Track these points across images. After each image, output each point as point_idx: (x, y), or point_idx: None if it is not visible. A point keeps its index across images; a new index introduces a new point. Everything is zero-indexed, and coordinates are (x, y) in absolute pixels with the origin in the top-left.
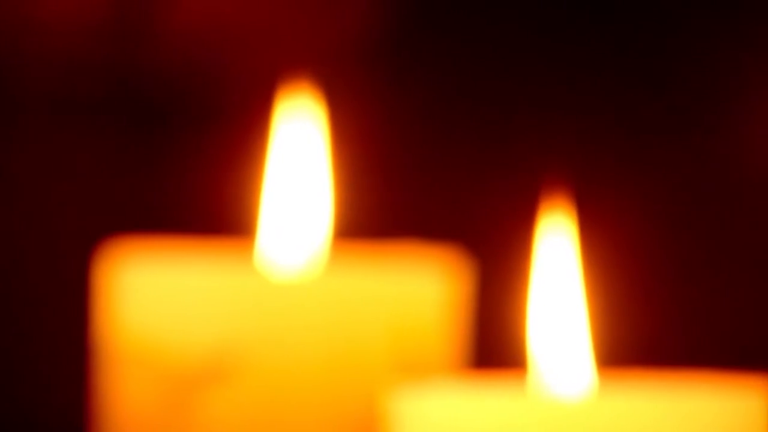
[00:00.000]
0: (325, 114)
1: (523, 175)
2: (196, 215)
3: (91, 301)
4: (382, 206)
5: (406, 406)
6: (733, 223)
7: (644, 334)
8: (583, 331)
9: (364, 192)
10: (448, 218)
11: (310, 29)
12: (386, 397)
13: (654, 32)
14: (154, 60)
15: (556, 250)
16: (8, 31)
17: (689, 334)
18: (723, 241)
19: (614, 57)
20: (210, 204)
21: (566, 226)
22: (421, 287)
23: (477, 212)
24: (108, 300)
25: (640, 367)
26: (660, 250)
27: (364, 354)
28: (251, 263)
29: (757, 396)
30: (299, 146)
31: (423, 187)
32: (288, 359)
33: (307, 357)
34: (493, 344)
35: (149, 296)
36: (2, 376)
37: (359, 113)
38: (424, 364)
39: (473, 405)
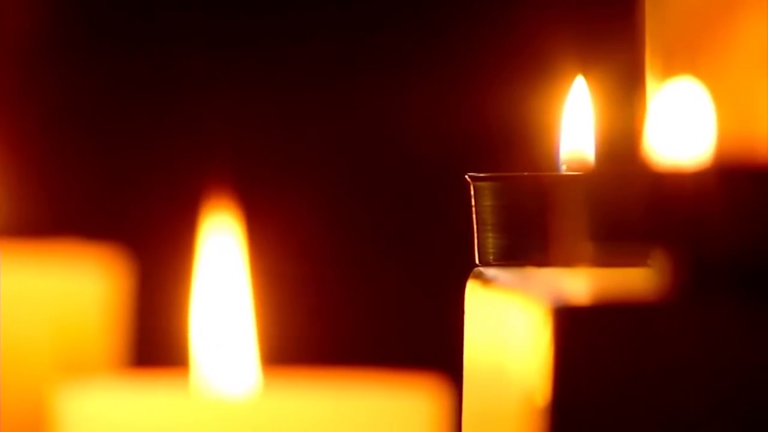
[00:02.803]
0: None
1: (186, 176)
2: None
3: None
4: (41, 205)
5: (68, 405)
6: (401, 219)
7: (311, 332)
8: (248, 329)
9: (21, 190)
10: (109, 218)
11: None
12: (49, 395)
13: (313, 35)
14: None
15: (221, 248)
16: None
17: (357, 332)
18: (392, 238)
19: (273, 59)
20: None
21: (230, 225)
22: (82, 286)
23: (138, 212)
24: None
25: (307, 366)
26: (327, 247)
27: (26, 352)
28: None
29: (422, 394)
30: None
31: (85, 187)
32: None
33: None
34: (156, 342)
35: None
36: None
37: (14, 111)
38: (85, 362)
39: (136, 403)
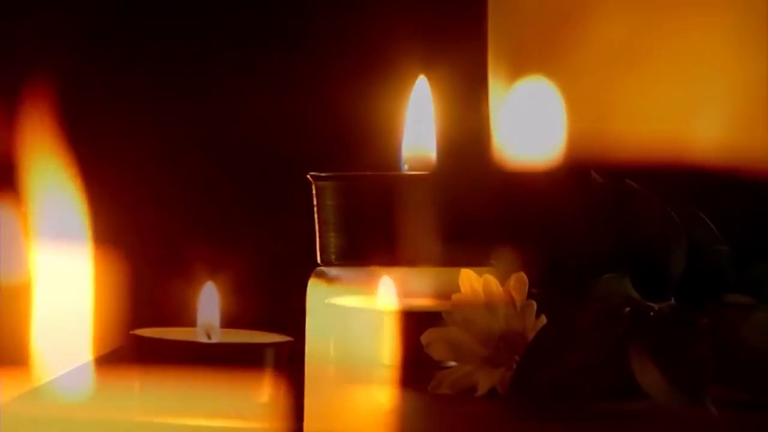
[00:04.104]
0: None
1: None
2: None
3: None
4: None
5: None
6: (244, 219)
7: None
8: (87, 328)
9: None
10: None
11: None
12: None
13: (161, 34)
14: None
15: (62, 249)
16: None
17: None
18: (234, 237)
19: (122, 61)
20: None
21: (76, 220)
22: None
23: None
24: None
25: (148, 365)
26: (171, 245)
27: None
28: None
29: (264, 391)
30: None
31: None
32: None
33: None
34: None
35: None
36: None
37: None
38: None
39: None
